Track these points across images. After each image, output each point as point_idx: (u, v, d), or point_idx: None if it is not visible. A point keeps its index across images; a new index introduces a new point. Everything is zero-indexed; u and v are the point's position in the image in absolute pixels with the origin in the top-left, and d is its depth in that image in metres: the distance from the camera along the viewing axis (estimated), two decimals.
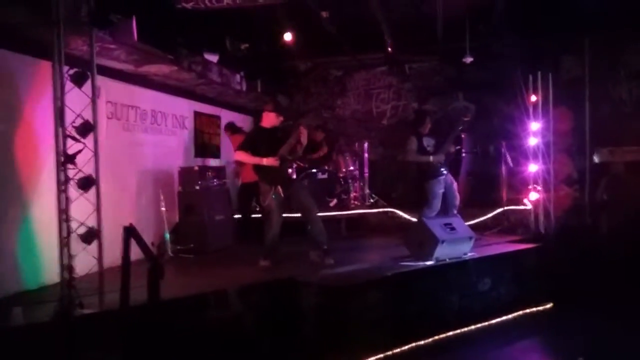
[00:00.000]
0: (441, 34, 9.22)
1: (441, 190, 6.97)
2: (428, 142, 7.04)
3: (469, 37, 8.68)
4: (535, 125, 7.46)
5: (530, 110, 7.51)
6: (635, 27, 8.26)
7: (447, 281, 5.69)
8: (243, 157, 6.07)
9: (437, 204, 6.94)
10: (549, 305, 6.20)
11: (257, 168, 6.06)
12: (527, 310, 6.07)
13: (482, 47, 8.99)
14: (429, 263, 5.70)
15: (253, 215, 8.06)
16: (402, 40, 9.42)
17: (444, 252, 5.78)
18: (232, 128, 8.67)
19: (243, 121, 10.34)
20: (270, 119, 6.13)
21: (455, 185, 7.17)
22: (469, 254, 6.05)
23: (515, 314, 5.97)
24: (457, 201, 7.16)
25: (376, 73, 10.46)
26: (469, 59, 8.88)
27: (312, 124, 6.21)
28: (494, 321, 5.74)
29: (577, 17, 7.76)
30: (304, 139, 6.04)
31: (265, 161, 5.92)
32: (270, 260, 6.07)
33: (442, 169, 6.96)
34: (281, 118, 6.17)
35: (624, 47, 8.93)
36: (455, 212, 6.98)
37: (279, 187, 5.96)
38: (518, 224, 7.89)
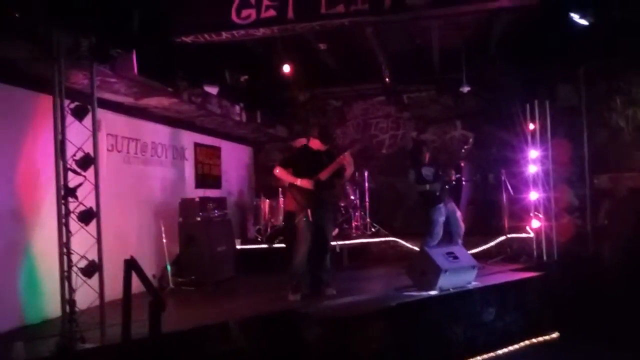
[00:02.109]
0: (438, 65, 9.35)
1: (441, 218, 6.95)
2: (427, 172, 7.05)
3: (465, 67, 8.80)
4: (534, 153, 7.49)
5: (529, 138, 7.55)
6: (630, 55, 8.37)
7: (451, 311, 5.62)
8: (280, 173, 6.02)
9: (439, 232, 6.92)
10: (555, 335, 6.12)
11: (292, 187, 6.00)
12: (534, 340, 5.98)
13: (479, 76, 9.11)
14: (432, 293, 5.64)
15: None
16: (400, 70, 9.54)
17: (447, 282, 5.72)
18: None
19: (243, 152, 10.41)
20: (316, 144, 6.08)
21: (458, 214, 7.13)
22: (473, 283, 5.99)
23: (522, 344, 5.88)
24: (462, 230, 7.10)
25: (374, 103, 10.54)
26: (466, 89, 9.01)
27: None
28: (500, 352, 5.65)
29: (572, 47, 7.86)
30: (349, 166, 6.00)
31: (299, 182, 5.85)
32: (300, 293, 5.84)
33: (441, 197, 6.94)
34: (327, 146, 6.11)
35: (619, 75, 9.03)
36: (460, 241, 6.93)
37: (309, 210, 5.84)
38: (521, 252, 7.83)
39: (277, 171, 6.06)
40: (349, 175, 6.23)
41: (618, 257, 7.20)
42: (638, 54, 8.25)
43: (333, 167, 5.93)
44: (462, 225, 7.11)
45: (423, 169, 7.06)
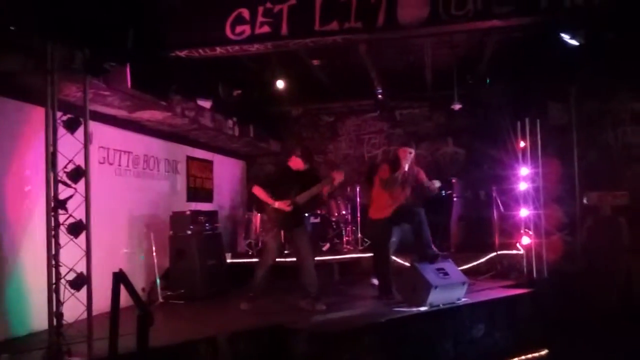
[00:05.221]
0: (430, 82, 9.43)
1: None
2: None
3: (457, 84, 8.88)
4: (524, 171, 7.55)
5: (520, 155, 7.61)
6: (620, 75, 8.48)
7: (441, 327, 5.63)
8: (258, 192, 6.13)
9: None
10: (544, 352, 6.12)
11: (267, 206, 6.12)
12: (523, 357, 5.98)
13: (471, 94, 9.19)
14: (422, 309, 5.65)
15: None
16: (392, 87, 9.62)
17: (438, 298, 5.73)
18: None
19: (235, 166, 10.43)
20: (297, 163, 6.19)
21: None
22: (463, 300, 6.00)
23: None
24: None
25: (367, 119, 10.62)
26: (457, 106, 9.08)
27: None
28: None
29: (563, 66, 7.96)
30: (329, 189, 6.12)
31: (277, 204, 5.97)
32: (251, 303, 6.05)
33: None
34: (307, 165, 6.21)
35: (610, 94, 9.13)
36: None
37: (282, 232, 6.00)
38: (511, 269, 7.86)
39: (255, 190, 6.17)
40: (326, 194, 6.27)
41: (595, 277, 7.26)
42: (628, 74, 8.37)
43: (312, 192, 6.03)
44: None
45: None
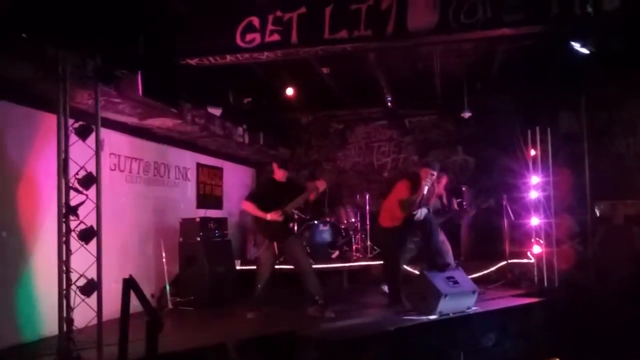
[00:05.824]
0: (440, 90, 9.42)
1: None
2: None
3: (467, 92, 8.87)
4: (535, 179, 7.51)
5: (530, 164, 7.58)
6: (630, 84, 8.44)
7: (451, 336, 5.58)
8: (249, 208, 6.14)
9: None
10: None
11: (258, 220, 6.13)
12: None
13: (480, 102, 9.17)
14: (432, 317, 5.62)
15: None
16: (402, 95, 9.62)
17: (447, 306, 5.70)
18: None
19: (245, 173, 10.45)
20: (279, 174, 6.24)
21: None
22: (473, 308, 5.97)
23: None
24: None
25: (377, 126, 10.62)
26: (467, 114, 9.06)
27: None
28: None
29: (573, 74, 7.93)
30: (317, 193, 6.17)
31: (269, 216, 6.00)
32: (257, 311, 6.08)
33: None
34: (286, 173, 6.26)
35: (620, 102, 9.07)
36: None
37: (274, 243, 6.08)
38: (522, 278, 7.81)
39: (246, 205, 6.21)
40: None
41: (608, 286, 7.18)
42: (638, 82, 8.32)
43: (299, 201, 6.14)
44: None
45: None
